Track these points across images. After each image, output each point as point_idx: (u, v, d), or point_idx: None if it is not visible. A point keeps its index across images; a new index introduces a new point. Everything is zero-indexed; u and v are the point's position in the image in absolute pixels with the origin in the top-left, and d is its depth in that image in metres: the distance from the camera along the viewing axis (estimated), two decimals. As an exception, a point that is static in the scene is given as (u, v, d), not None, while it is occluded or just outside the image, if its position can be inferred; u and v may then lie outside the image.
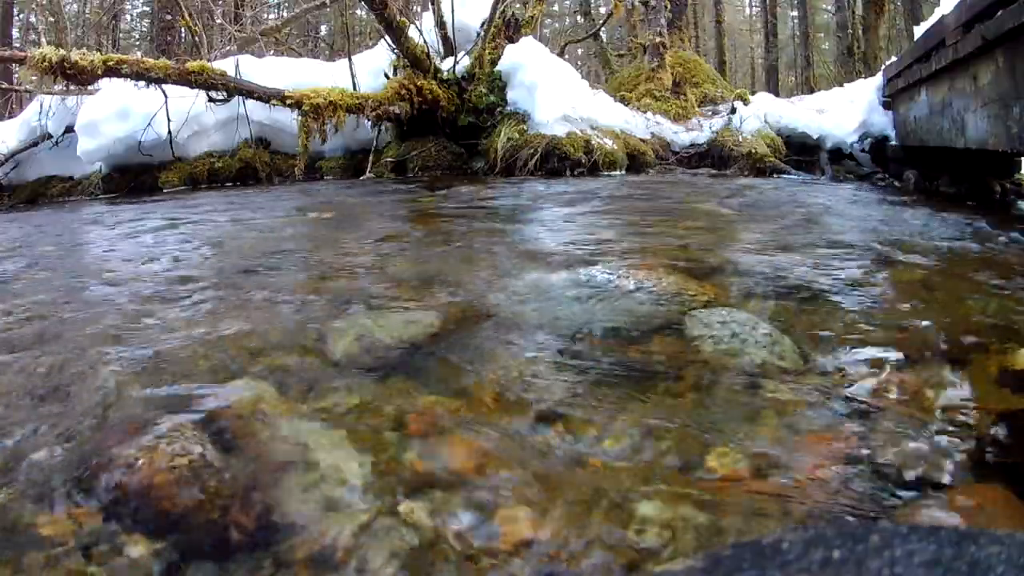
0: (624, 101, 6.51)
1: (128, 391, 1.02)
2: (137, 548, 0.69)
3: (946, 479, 0.78)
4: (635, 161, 5.20)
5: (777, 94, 10.56)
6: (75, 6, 16.78)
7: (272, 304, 1.48)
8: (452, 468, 0.81)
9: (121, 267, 2.05)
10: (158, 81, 4.62)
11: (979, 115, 2.76)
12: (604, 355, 1.13)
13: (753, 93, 6.58)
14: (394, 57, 5.54)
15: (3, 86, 8.61)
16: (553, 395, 0.99)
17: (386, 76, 5.45)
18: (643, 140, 5.52)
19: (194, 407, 0.95)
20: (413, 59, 5.30)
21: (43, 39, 9.62)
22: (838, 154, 5.29)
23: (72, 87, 4.93)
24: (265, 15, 14.37)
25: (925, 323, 1.28)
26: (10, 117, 7.69)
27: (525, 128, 5.02)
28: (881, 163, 4.99)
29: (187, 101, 5.03)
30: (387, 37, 5.36)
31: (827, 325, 1.26)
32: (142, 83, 4.60)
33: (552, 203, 3.22)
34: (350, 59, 5.55)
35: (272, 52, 8.16)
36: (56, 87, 5.29)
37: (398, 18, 5.11)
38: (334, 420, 0.92)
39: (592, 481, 0.78)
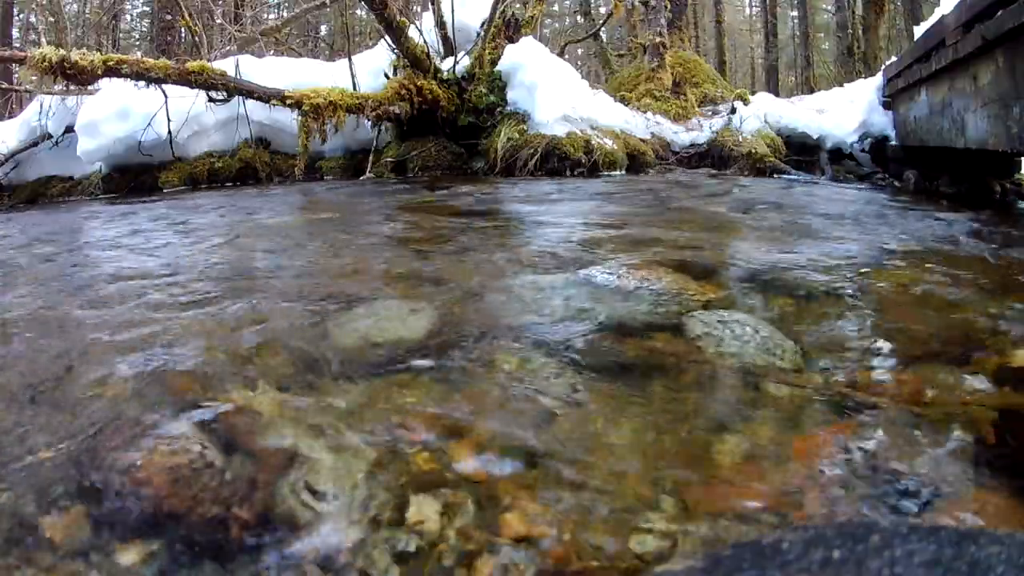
0: (624, 101, 6.51)
1: (128, 391, 1.02)
2: (137, 548, 0.69)
3: (946, 479, 0.78)
4: (635, 161, 5.20)
5: (777, 94, 10.56)
6: (75, 6, 16.78)
7: (272, 304, 1.48)
8: (453, 467, 0.81)
9: (121, 267, 2.05)
10: (158, 81, 4.62)
11: (979, 115, 2.76)
12: (604, 354, 1.13)
13: (753, 93, 6.58)
14: (394, 57, 5.54)
15: (3, 86, 8.61)
16: (553, 393, 0.99)
17: (386, 76, 5.45)
18: (643, 140, 5.52)
19: (194, 406, 0.95)
20: (413, 59, 5.30)
21: (43, 39, 9.61)
22: (838, 154, 5.30)
23: (72, 87, 4.93)
24: (265, 15, 14.37)
25: (925, 323, 1.28)
26: (10, 117, 7.69)
27: (525, 128, 5.02)
28: (881, 163, 4.99)
29: (187, 101, 5.03)
30: (387, 37, 5.36)
31: (827, 325, 1.26)
32: (142, 83, 4.60)
33: (552, 203, 3.22)
34: (350, 59, 5.55)
35: (272, 52, 8.16)
36: (56, 87, 5.29)
37: (398, 18, 5.11)
38: (335, 419, 0.92)
39: (593, 479, 0.78)
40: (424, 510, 0.73)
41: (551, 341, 1.18)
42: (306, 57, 8.94)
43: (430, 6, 5.83)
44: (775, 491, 0.76)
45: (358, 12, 13.58)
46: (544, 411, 0.94)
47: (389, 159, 5.36)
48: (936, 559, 0.46)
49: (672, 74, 7.40)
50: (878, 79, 5.13)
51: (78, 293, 1.72)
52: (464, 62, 5.58)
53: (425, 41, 5.49)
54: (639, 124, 5.82)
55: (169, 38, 10.87)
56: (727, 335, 1.19)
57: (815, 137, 5.39)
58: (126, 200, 4.72)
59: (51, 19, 12.60)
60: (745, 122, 5.55)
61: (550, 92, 5.09)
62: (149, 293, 1.63)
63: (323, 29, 17.02)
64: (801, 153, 5.38)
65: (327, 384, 1.03)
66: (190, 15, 6.99)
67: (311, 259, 2.03)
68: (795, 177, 4.88)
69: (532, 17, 6.44)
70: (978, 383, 1.03)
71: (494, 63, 5.47)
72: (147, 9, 18.54)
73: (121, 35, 18.52)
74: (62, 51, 4.31)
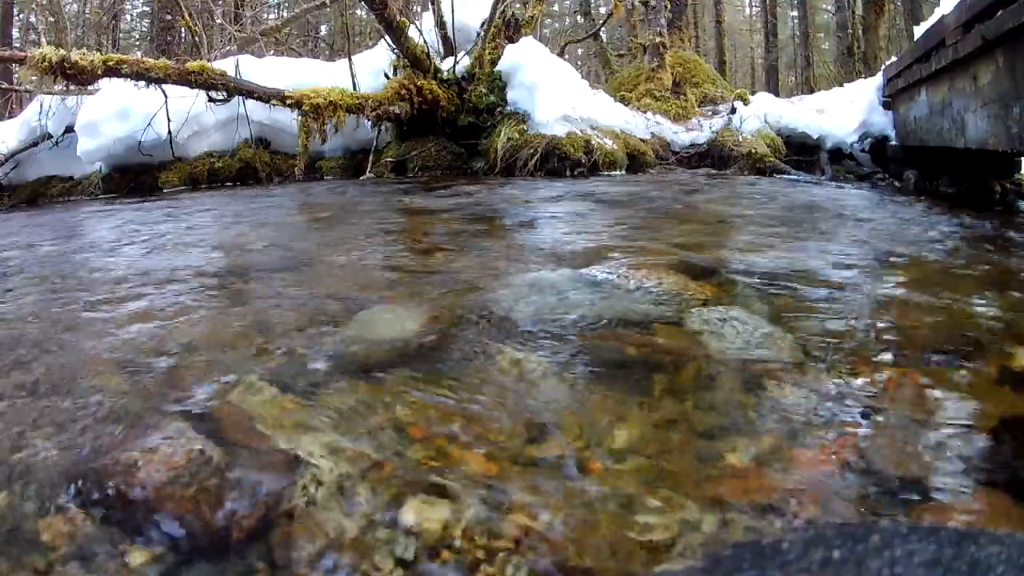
0: (624, 101, 6.51)
1: (127, 391, 1.02)
2: (137, 549, 0.69)
3: (946, 478, 0.78)
4: (635, 161, 5.20)
5: (777, 94, 10.56)
6: (75, 6, 16.78)
7: (272, 303, 1.48)
8: (454, 466, 0.81)
9: (121, 267, 2.05)
10: (158, 81, 4.62)
11: (979, 115, 2.76)
12: (604, 354, 1.13)
13: (753, 93, 6.58)
14: (394, 57, 5.54)
15: (3, 86, 8.61)
16: (553, 392, 0.99)
17: (386, 76, 5.45)
18: (643, 140, 5.52)
19: (194, 406, 0.95)
20: (413, 59, 5.30)
21: (43, 39, 9.61)
22: (838, 154, 5.30)
23: (72, 87, 4.93)
24: (265, 15, 14.37)
25: (925, 323, 1.28)
26: (10, 117, 7.68)
27: (525, 128, 5.02)
28: (881, 163, 4.99)
29: (187, 101, 5.03)
30: (387, 37, 5.36)
31: (827, 324, 1.26)
32: (142, 83, 4.60)
33: (552, 203, 3.22)
34: (350, 59, 5.55)
35: (272, 52, 8.16)
36: (56, 87, 5.29)
37: (398, 18, 5.11)
38: (335, 418, 0.92)
39: (594, 477, 0.78)
40: (424, 509, 0.73)
41: (551, 339, 1.18)
42: (306, 57, 8.94)
43: (430, 6, 5.83)
44: (775, 489, 0.76)
45: (358, 12, 13.58)
46: (545, 408, 0.94)
47: (389, 159, 5.36)
48: (936, 559, 0.46)
49: (672, 74, 7.39)
50: (878, 79, 5.13)
51: (77, 293, 1.72)
52: (464, 62, 5.58)
53: (425, 41, 5.49)
54: (639, 124, 5.82)
55: (169, 38, 10.87)
56: (727, 332, 1.19)
57: (815, 137, 5.39)
58: (126, 200, 4.72)
59: (51, 19, 12.60)
60: (745, 122, 5.55)
61: (550, 92, 5.08)
62: (149, 293, 1.63)
63: (323, 29, 17.02)
64: (801, 153, 5.38)
65: (328, 383, 1.03)
66: (190, 15, 6.99)
67: (310, 258, 2.03)
68: (795, 177, 4.88)
69: (532, 17, 6.44)
70: (978, 383, 1.03)
71: (494, 63, 5.47)
72: (147, 9, 18.54)
73: (121, 35, 18.52)
74: (62, 51, 4.31)
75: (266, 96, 4.85)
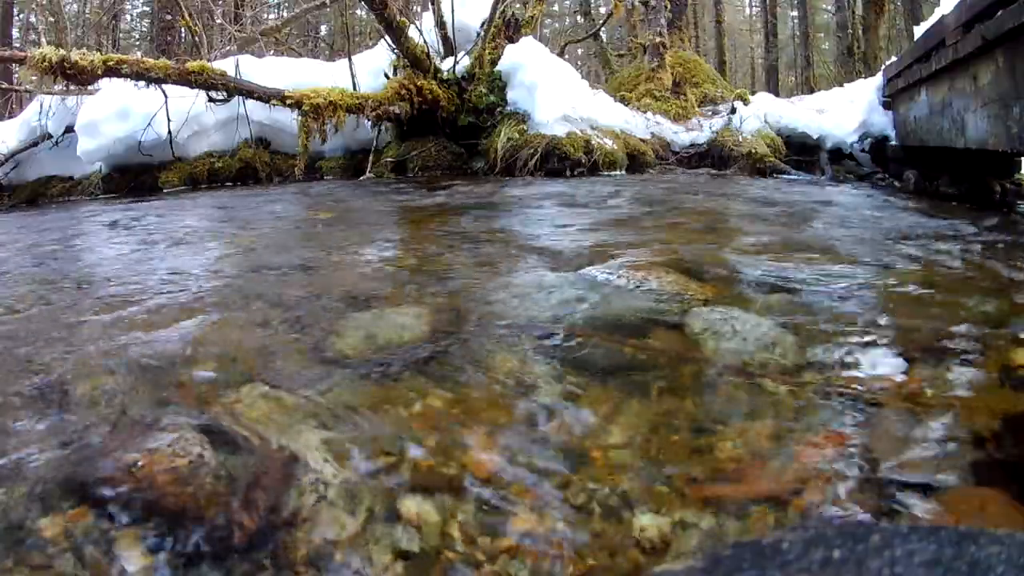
0: (624, 101, 6.51)
1: (127, 391, 1.02)
2: (136, 549, 0.69)
3: (946, 478, 0.78)
4: (635, 161, 5.20)
5: (777, 94, 10.56)
6: (75, 6, 16.78)
7: (272, 303, 1.48)
8: (454, 464, 0.81)
9: (121, 267, 2.05)
10: (158, 81, 4.62)
11: (979, 115, 2.76)
12: (605, 354, 1.13)
13: (753, 93, 6.58)
14: (394, 57, 5.54)
15: (3, 86, 8.61)
16: (553, 391, 0.99)
17: (386, 76, 5.45)
18: (643, 140, 5.52)
19: (194, 406, 0.95)
20: (413, 59, 5.30)
21: (43, 39, 9.61)
22: (838, 154, 5.30)
23: (72, 87, 4.93)
24: (265, 15, 14.37)
25: (924, 322, 1.28)
26: (10, 117, 7.68)
27: (525, 128, 5.02)
28: (881, 163, 4.99)
29: (187, 101, 5.03)
30: (387, 37, 5.36)
31: (827, 324, 1.26)
32: (142, 83, 4.60)
33: (552, 203, 3.22)
34: (350, 59, 5.55)
35: (272, 52, 8.17)
36: (56, 87, 5.29)
37: (398, 18, 5.11)
38: (336, 418, 0.92)
39: (593, 475, 0.78)
40: (425, 508, 0.73)
41: (552, 338, 1.18)
42: (306, 57, 8.94)
43: (430, 6, 5.83)
44: (775, 487, 0.76)
45: (358, 12, 13.58)
46: (546, 407, 0.94)
47: (389, 159, 5.36)
48: (936, 559, 0.46)
49: (672, 74, 7.39)
50: (878, 79, 5.13)
51: (77, 292, 1.72)
52: (464, 62, 5.58)
53: (425, 41, 5.49)
54: (639, 124, 5.82)
55: (169, 38, 10.87)
56: (727, 332, 1.19)
57: (815, 137, 5.39)
58: (126, 200, 4.72)
59: (51, 19, 12.60)
60: (745, 122, 5.55)
61: (550, 92, 5.09)
62: (147, 292, 1.63)
63: (323, 29, 17.02)
64: (801, 153, 5.38)
65: (328, 382, 1.03)
66: (190, 15, 6.99)
67: (310, 258, 2.03)
68: (795, 177, 4.88)
69: (532, 17, 6.44)
70: (978, 382, 1.03)
71: (494, 63, 5.47)
72: (147, 9, 18.54)
73: (121, 35, 18.52)
74: (62, 51, 4.31)
75: (266, 96, 4.85)
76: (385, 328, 1.28)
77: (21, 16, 16.68)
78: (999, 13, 2.32)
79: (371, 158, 5.32)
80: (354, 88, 5.31)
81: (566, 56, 9.33)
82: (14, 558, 0.67)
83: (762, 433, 0.88)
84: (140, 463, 0.80)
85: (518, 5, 6.56)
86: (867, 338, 1.19)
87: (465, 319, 1.32)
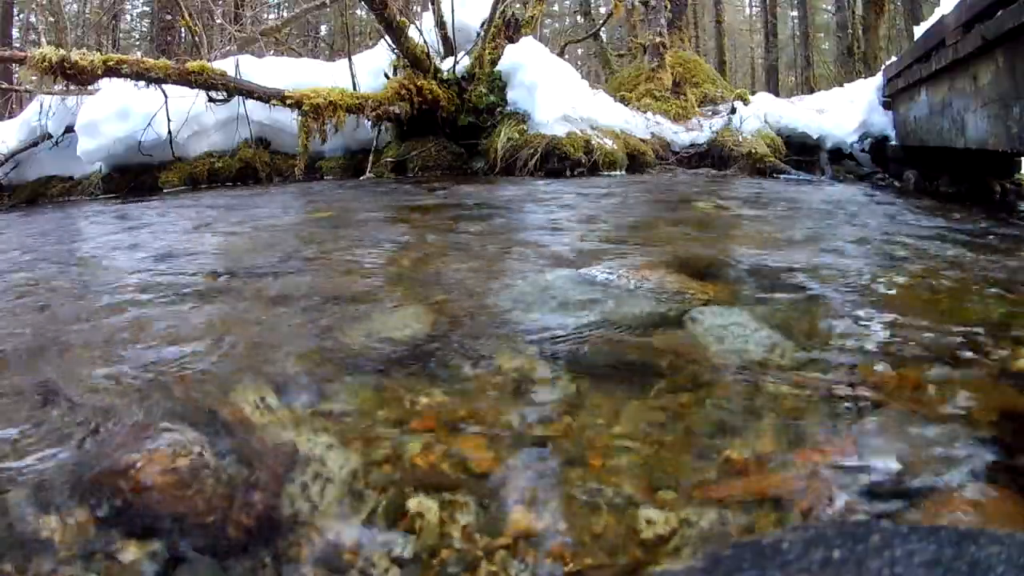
0: (624, 101, 6.51)
1: (127, 391, 1.02)
2: (137, 549, 0.69)
3: (946, 478, 0.78)
4: (635, 161, 5.20)
5: (777, 94, 10.56)
6: (75, 6, 16.78)
7: (272, 303, 1.48)
8: (454, 461, 0.81)
9: (121, 267, 2.05)
10: (158, 81, 4.62)
11: (979, 115, 2.76)
12: (605, 353, 1.13)
13: (753, 93, 6.58)
14: (394, 57, 5.54)
15: (3, 86, 8.61)
16: (554, 391, 0.99)
17: (386, 76, 5.45)
18: (643, 140, 5.53)
19: (194, 406, 0.95)
20: (413, 59, 5.30)
21: (43, 39, 9.61)
22: (838, 154, 5.30)
23: (72, 87, 4.93)
24: (265, 15, 14.37)
25: (925, 322, 1.28)
26: (10, 117, 7.69)
27: (525, 128, 5.02)
28: (881, 163, 5.00)
29: (187, 101, 5.03)
30: (387, 37, 5.36)
31: (828, 324, 1.26)
32: (142, 83, 4.60)
33: (552, 203, 3.22)
34: (350, 59, 5.55)
35: (272, 52, 8.17)
36: (56, 87, 5.29)
37: (398, 18, 5.11)
38: (336, 418, 0.92)
39: (594, 475, 0.78)
40: (425, 508, 0.73)
41: (552, 338, 1.18)
42: (306, 57, 8.94)
43: (430, 6, 5.83)
44: (777, 487, 0.76)
45: (358, 12, 13.58)
46: (546, 406, 0.94)
47: (389, 159, 5.36)
48: (936, 559, 0.46)
49: (672, 74, 7.40)
50: (878, 79, 5.13)
51: (78, 292, 1.73)
52: (464, 62, 5.58)
53: (425, 41, 5.49)
54: (639, 124, 5.82)
55: (169, 38, 10.87)
56: (729, 331, 1.19)
57: (815, 137, 5.39)
58: (126, 200, 4.72)
59: (51, 19, 12.60)
60: (745, 122, 5.55)
61: (550, 92, 5.09)
62: (148, 293, 1.63)
63: (323, 29, 17.02)
64: (801, 153, 5.38)
65: (328, 381, 1.03)
66: (190, 15, 6.99)
67: (310, 259, 2.03)
68: (795, 177, 4.88)
69: (532, 17, 6.44)
70: (979, 382, 1.03)
71: (494, 63, 5.47)
72: (147, 9, 18.54)
73: (121, 35, 18.52)
74: (62, 51, 4.31)
75: (266, 96, 4.85)
76: (385, 327, 1.28)
77: (21, 16, 16.68)
78: (999, 13, 2.32)
79: (371, 158, 5.32)
80: (354, 88, 5.31)
81: (566, 56, 9.34)
82: (14, 559, 0.67)
83: (763, 433, 0.88)
84: (140, 463, 0.80)
85: (518, 5, 6.56)
86: (868, 337, 1.19)
87: (465, 318, 1.32)
